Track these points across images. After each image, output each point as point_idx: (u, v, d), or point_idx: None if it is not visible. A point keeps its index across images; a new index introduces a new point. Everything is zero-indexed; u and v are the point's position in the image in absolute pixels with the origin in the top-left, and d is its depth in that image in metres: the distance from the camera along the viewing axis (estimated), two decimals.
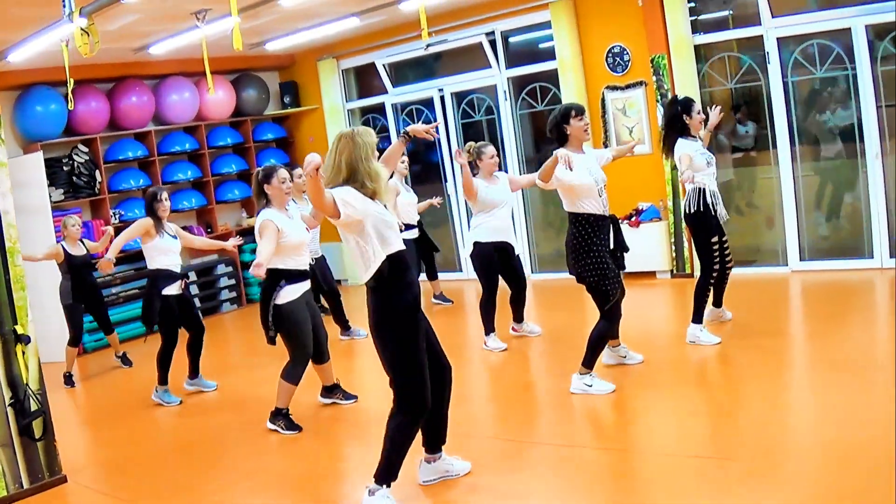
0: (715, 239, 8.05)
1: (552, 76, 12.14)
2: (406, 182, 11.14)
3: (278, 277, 7.08)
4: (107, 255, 8.37)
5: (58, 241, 10.36)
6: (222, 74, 13.49)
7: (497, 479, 5.75)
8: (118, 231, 9.24)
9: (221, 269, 13.73)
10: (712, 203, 7.95)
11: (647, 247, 11.26)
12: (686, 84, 10.77)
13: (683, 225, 11.05)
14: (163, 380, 8.64)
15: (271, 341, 7.20)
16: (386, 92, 13.92)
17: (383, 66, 13.65)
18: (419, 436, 5.51)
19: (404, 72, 13.92)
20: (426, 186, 13.27)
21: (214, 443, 7.34)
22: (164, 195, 8.59)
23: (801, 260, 10.70)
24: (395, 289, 5.22)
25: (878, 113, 9.90)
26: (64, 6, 7.27)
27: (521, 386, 8.04)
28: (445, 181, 13.53)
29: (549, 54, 12.09)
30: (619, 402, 6.99)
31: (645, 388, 7.21)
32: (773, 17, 10.33)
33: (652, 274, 11.44)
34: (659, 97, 11.10)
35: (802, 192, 10.73)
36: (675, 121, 8.04)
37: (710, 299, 8.37)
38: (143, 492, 6.36)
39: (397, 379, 5.28)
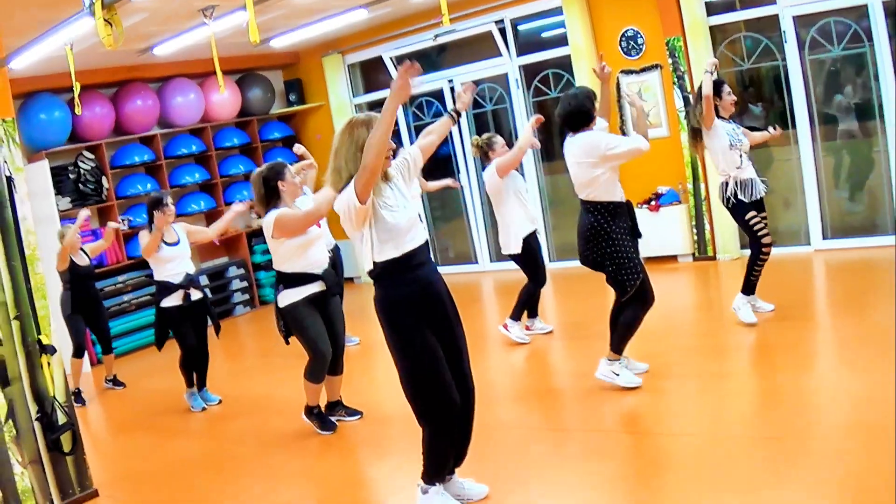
0: (752, 214, 7.79)
1: (565, 62, 11.97)
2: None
3: (279, 280, 6.99)
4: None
5: None
6: (227, 74, 13.22)
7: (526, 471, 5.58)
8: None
9: (233, 271, 13.56)
10: (737, 193, 7.77)
11: (668, 231, 11.13)
12: (702, 66, 10.48)
13: (704, 207, 10.94)
14: (189, 383, 8.52)
15: (286, 341, 7.15)
16: None
17: (390, 59, 13.45)
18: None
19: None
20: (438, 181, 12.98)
21: (240, 450, 7.16)
22: (169, 199, 8.36)
23: (823, 239, 10.57)
24: (397, 281, 4.85)
25: None
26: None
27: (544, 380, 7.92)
28: (458, 173, 13.32)
29: (561, 40, 11.92)
30: (649, 387, 6.84)
31: (673, 373, 7.12)
32: None
33: (674, 258, 11.31)
34: (675, 80, 10.94)
35: (823, 172, 10.58)
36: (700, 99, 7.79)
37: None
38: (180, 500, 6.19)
39: (407, 385, 4.91)
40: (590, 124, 6.71)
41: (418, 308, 4.83)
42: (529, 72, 12.55)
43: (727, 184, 7.83)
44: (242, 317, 13.39)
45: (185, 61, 12.49)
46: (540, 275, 8.77)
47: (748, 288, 8.02)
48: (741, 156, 7.77)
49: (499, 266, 12.92)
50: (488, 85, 12.97)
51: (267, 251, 13.32)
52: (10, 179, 6.31)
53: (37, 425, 6.19)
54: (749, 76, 11.13)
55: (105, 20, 6.70)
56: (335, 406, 7.41)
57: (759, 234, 7.83)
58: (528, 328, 9.05)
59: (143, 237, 8.28)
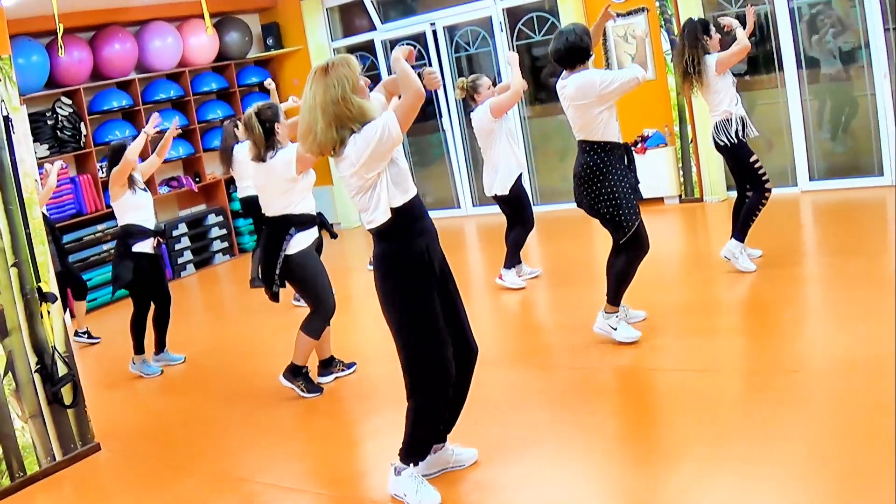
0: (755, 158, 7.76)
1: (550, 5, 11.86)
2: None
3: (287, 224, 6.50)
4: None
5: None
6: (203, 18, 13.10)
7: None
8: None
9: (212, 218, 13.40)
10: (742, 127, 7.70)
11: (655, 173, 11.11)
12: (690, 9, 10.54)
13: (691, 149, 10.92)
14: (139, 349, 8.09)
15: (275, 297, 6.67)
16: (374, 29, 13.58)
17: (371, 1, 13.27)
18: None
19: (393, 7, 13.57)
20: (419, 124, 12.91)
21: (234, 406, 6.94)
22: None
23: (810, 180, 10.61)
24: (404, 234, 4.49)
25: (885, 35, 9.78)
26: None
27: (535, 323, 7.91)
28: (440, 116, 13.26)
29: None
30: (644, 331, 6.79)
31: (666, 314, 7.14)
32: None
33: (660, 200, 11.32)
34: (662, 23, 10.86)
35: (810, 114, 10.59)
36: (698, 41, 7.73)
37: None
38: (183, 453, 6.12)
39: (406, 349, 4.57)
40: (586, 62, 6.44)
41: (429, 267, 4.51)
42: (513, 15, 12.41)
43: (730, 121, 7.70)
44: (222, 265, 13.26)
45: (163, 4, 12.28)
46: (528, 217, 8.70)
47: (743, 234, 7.90)
48: (736, 93, 7.80)
49: (482, 210, 12.87)
50: (471, 28, 12.85)
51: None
52: (7, 119, 6.15)
53: (37, 377, 6.08)
54: (736, 19, 11.06)
55: None
56: (330, 362, 7.08)
57: (764, 177, 7.79)
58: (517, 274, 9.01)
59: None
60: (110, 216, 11.73)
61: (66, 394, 6.21)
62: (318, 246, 6.99)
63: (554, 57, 6.49)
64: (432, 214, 4.74)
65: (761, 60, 10.77)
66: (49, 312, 6.14)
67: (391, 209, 4.44)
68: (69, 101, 11.78)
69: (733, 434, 4.90)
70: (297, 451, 5.86)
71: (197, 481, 5.57)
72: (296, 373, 6.73)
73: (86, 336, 9.71)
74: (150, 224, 7.90)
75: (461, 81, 8.64)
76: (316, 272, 6.65)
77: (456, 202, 13.49)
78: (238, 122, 9.02)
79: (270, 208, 6.60)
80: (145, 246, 7.84)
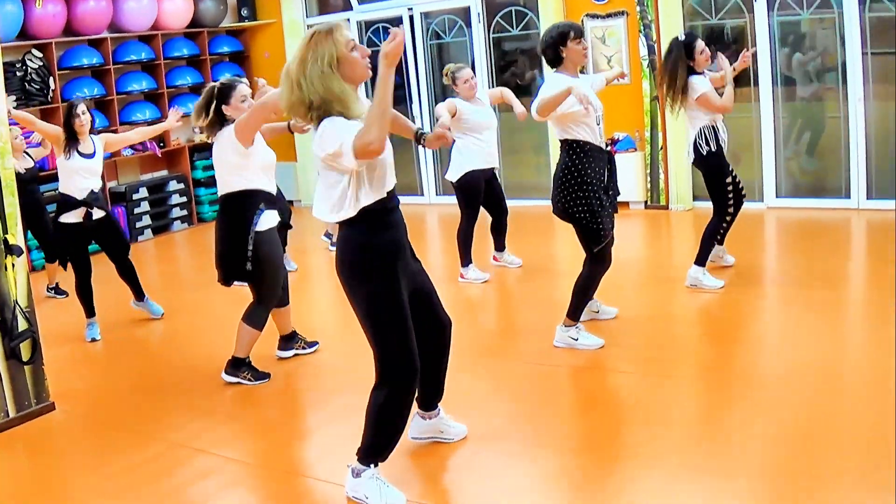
0: (729, 180, 7.71)
1: (530, 1, 11.85)
2: None
3: (257, 199, 6.22)
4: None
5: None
6: None
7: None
8: None
9: (173, 185, 13.28)
10: (724, 141, 7.68)
11: (622, 177, 10.89)
12: (670, 16, 10.63)
13: (660, 156, 10.97)
14: (88, 312, 8.10)
15: (249, 277, 6.34)
16: (351, 8, 13.51)
17: None
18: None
19: None
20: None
21: (190, 374, 6.89)
22: (82, 108, 7.83)
23: (777, 197, 10.68)
24: (371, 225, 4.28)
25: (863, 59, 9.88)
26: None
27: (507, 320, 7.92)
28: (411, 102, 13.22)
29: None
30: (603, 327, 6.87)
31: (628, 318, 7.15)
32: None
33: (625, 205, 11.33)
34: (642, 28, 10.89)
35: (782, 131, 10.67)
36: (682, 62, 7.60)
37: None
38: (139, 418, 6.04)
39: (376, 340, 4.38)
40: (560, 66, 6.36)
41: (394, 257, 4.34)
42: (492, 7, 12.40)
43: (714, 128, 7.63)
44: (180, 233, 13.16)
45: None
46: (471, 211, 8.71)
47: (703, 259, 7.81)
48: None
49: (445, 200, 12.84)
50: (448, 16, 12.81)
51: (209, 167, 13.21)
52: None
53: None
54: (715, 31, 11.11)
55: None
56: (292, 338, 7.01)
57: (729, 203, 7.76)
58: (495, 259, 9.14)
59: (55, 129, 7.98)
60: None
61: (25, 350, 6.12)
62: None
63: (540, 48, 6.46)
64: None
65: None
66: (13, 266, 6.03)
67: (361, 207, 4.24)
68: (40, 55, 11.63)
69: (692, 441, 4.92)
70: (260, 425, 5.81)
71: (154, 450, 5.48)
72: (237, 365, 6.54)
73: (53, 291, 9.76)
74: (84, 193, 7.84)
75: (447, 68, 8.64)
76: (276, 257, 6.42)
77: (420, 190, 13.46)
78: None
79: (225, 186, 6.29)
80: (71, 216, 7.89)
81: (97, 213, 7.91)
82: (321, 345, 7.12)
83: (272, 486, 4.94)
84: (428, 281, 4.73)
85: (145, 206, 12.79)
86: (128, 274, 8.28)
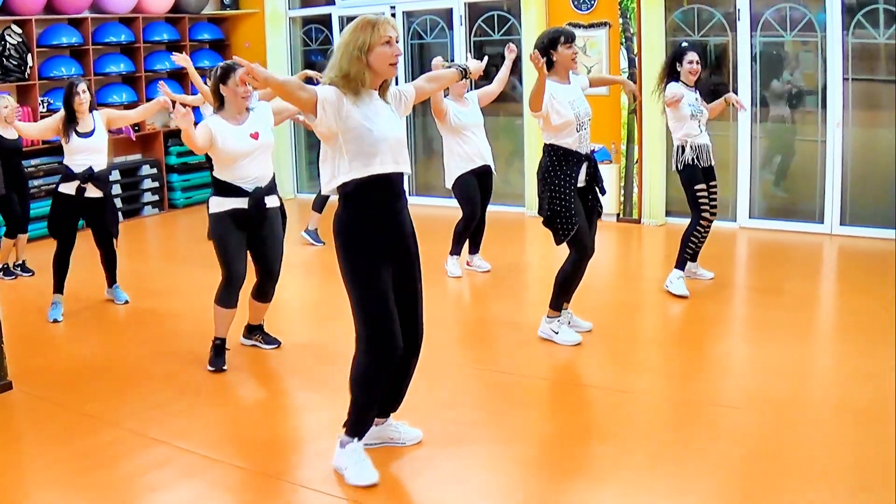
0: (701, 187, 7.95)
1: (513, 6, 11.89)
2: None
3: (213, 185, 6.60)
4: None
5: None
6: None
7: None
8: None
9: (146, 170, 13.20)
10: (694, 158, 7.89)
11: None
12: (652, 31, 10.66)
13: (635, 170, 10.99)
14: (56, 287, 8.09)
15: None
16: (333, 3, 13.45)
17: None
18: None
19: None
20: None
21: (155, 358, 6.90)
22: (82, 87, 7.89)
23: (750, 217, 10.71)
24: (360, 205, 4.52)
25: (843, 84, 9.92)
26: None
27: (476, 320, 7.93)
28: None
29: None
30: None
31: (603, 335, 7.12)
32: None
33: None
34: (623, 40, 10.90)
35: (758, 152, 10.69)
36: (668, 67, 8.03)
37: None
38: (97, 408, 5.93)
39: (356, 312, 4.58)
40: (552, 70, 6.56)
41: (378, 237, 4.53)
42: (474, 10, 12.38)
43: (683, 148, 7.92)
44: (151, 218, 13.07)
45: None
46: (470, 211, 8.81)
47: (682, 263, 8.08)
48: (699, 124, 7.91)
49: (423, 200, 12.76)
50: (430, 17, 12.80)
51: (183, 153, 13.18)
52: None
53: None
54: (697, 48, 11.12)
55: None
56: (254, 330, 7.07)
57: (702, 206, 7.95)
58: (468, 263, 9.16)
59: (55, 121, 8.00)
60: (45, 152, 11.51)
61: None
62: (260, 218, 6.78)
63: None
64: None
65: (717, 92, 10.81)
66: None
67: (343, 181, 4.50)
68: (19, 31, 11.51)
69: (649, 460, 4.91)
70: (219, 417, 5.76)
71: (109, 436, 5.43)
72: (213, 345, 6.67)
73: (20, 269, 9.70)
74: (82, 167, 7.92)
75: (437, 60, 8.59)
76: (223, 239, 6.47)
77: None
78: None
79: None
80: (68, 187, 7.96)
81: (92, 192, 7.96)
82: (286, 342, 7.08)
83: (225, 479, 4.89)
84: (418, 291, 4.82)
85: (116, 189, 12.64)
86: (108, 260, 8.32)
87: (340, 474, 4.75)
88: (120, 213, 12.33)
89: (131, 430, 5.50)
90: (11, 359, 6.34)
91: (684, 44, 8.36)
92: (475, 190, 8.77)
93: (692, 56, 7.88)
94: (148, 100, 12.76)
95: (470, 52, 12.24)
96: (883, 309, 7.18)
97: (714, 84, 8.14)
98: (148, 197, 13.25)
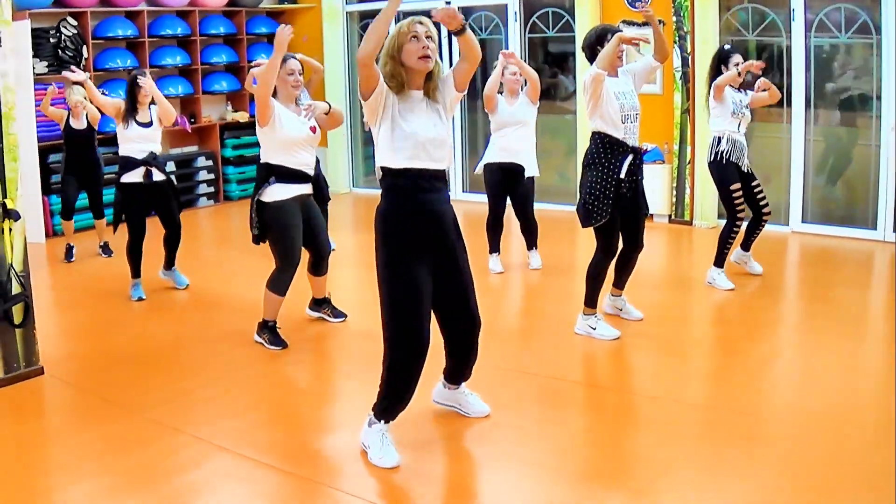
0: (736, 186, 8.09)
1: (567, 3, 11.79)
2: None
3: (269, 173, 6.64)
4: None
5: (37, 115, 10.51)
6: None
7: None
8: None
9: (201, 161, 13.31)
10: (729, 150, 8.05)
11: (647, 189, 10.91)
12: (706, 29, 10.52)
13: (687, 171, 10.87)
14: (134, 273, 8.36)
15: (255, 240, 6.80)
16: None
17: None
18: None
19: None
20: None
21: (200, 344, 7.04)
22: (144, 80, 8.14)
23: (802, 222, 10.51)
24: (397, 199, 4.74)
25: None
26: None
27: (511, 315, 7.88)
28: None
29: None
30: (621, 345, 6.82)
31: (644, 335, 7.04)
32: None
33: (649, 217, 11.15)
34: (677, 38, 10.77)
35: (812, 155, 10.51)
36: (713, 69, 8.20)
37: (740, 241, 8.49)
38: (125, 391, 6.02)
39: (385, 302, 4.74)
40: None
41: (413, 230, 4.71)
42: (529, 7, 12.33)
43: (720, 139, 8.10)
44: (205, 209, 13.16)
45: None
46: (491, 204, 8.99)
47: (721, 261, 8.23)
48: (740, 125, 8.07)
49: (470, 197, 12.76)
50: (485, 13, 12.75)
51: (238, 146, 13.25)
52: None
53: None
54: (751, 48, 10.98)
55: None
56: (322, 303, 7.44)
57: (738, 206, 8.13)
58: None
59: (117, 103, 8.28)
60: (111, 141, 11.62)
61: (17, 313, 6.14)
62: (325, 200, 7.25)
63: (581, 47, 6.99)
64: None
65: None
66: (10, 230, 6.05)
67: (385, 168, 4.74)
68: (75, 23, 11.66)
69: (678, 467, 4.81)
70: (240, 407, 5.75)
71: (128, 423, 5.48)
72: (262, 327, 6.91)
73: (101, 250, 10.15)
74: (143, 154, 8.17)
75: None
76: (284, 228, 6.70)
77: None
78: None
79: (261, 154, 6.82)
80: (133, 176, 8.21)
81: (157, 175, 8.23)
82: (343, 329, 7.30)
83: (242, 471, 4.88)
84: (465, 282, 4.96)
85: (172, 178, 12.77)
86: (172, 241, 8.50)
87: (364, 451, 4.91)
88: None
89: (150, 419, 5.52)
90: (45, 345, 6.44)
91: (727, 46, 8.33)
92: (499, 185, 8.86)
93: (737, 58, 7.99)
94: (204, 92, 12.93)
95: (526, 47, 12.23)
96: None
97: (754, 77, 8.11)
98: (203, 189, 13.35)
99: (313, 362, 6.81)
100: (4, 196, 6.04)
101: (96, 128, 9.85)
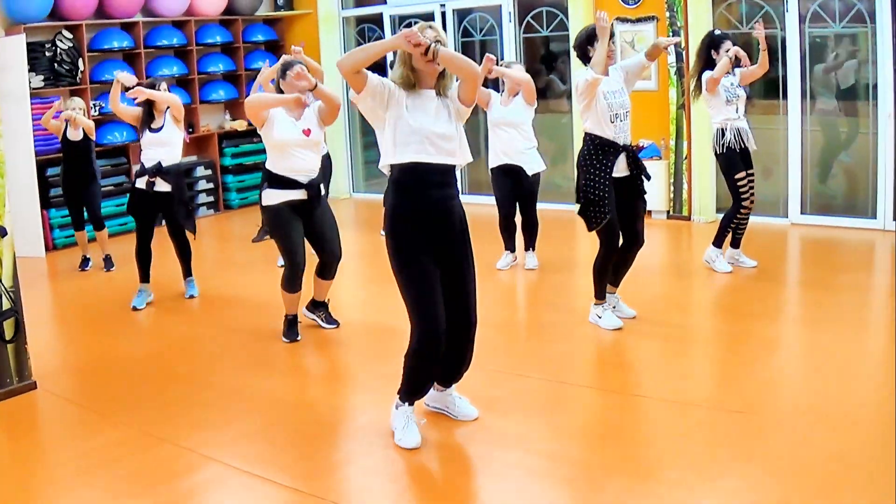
0: (741, 175, 8.22)
1: (561, 2, 11.78)
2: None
3: (265, 178, 6.95)
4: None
5: (35, 129, 10.48)
6: None
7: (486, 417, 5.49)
8: None
9: (200, 171, 13.31)
10: (735, 139, 8.15)
11: (646, 185, 10.96)
12: (699, 23, 10.47)
13: (684, 166, 10.85)
14: (140, 277, 8.48)
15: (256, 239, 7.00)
16: (385, 2, 13.46)
17: None
18: None
19: None
20: None
21: (194, 355, 7.06)
22: (164, 87, 8.31)
23: (801, 213, 10.48)
24: (402, 193, 4.94)
25: (895, 75, 9.65)
26: None
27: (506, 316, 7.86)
28: None
29: None
30: (618, 344, 6.85)
31: (640, 333, 7.03)
32: None
33: (647, 213, 11.13)
34: (670, 34, 10.74)
35: (809, 146, 10.46)
36: (702, 55, 8.28)
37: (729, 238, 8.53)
38: (119, 404, 6.02)
39: (403, 296, 5.01)
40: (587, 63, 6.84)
41: (419, 223, 4.91)
42: (523, 6, 12.31)
43: (724, 131, 8.19)
44: (205, 219, 13.13)
45: None
46: (502, 209, 9.04)
47: (720, 241, 8.44)
48: (737, 108, 8.17)
49: (471, 199, 12.69)
50: (479, 14, 12.75)
51: (238, 154, 13.27)
52: None
53: None
54: (744, 41, 10.96)
55: None
56: (319, 306, 7.51)
57: (742, 195, 8.22)
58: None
59: (136, 111, 8.40)
60: (100, 155, 11.66)
61: (8, 328, 6.15)
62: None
63: (573, 47, 7.12)
64: None
65: (767, 84, 10.65)
66: None
67: (393, 164, 4.94)
68: (70, 36, 11.66)
69: (661, 467, 4.78)
70: (230, 418, 5.73)
71: (118, 434, 5.49)
72: (286, 321, 7.26)
73: (104, 261, 10.12)
74: (151, 164, 8.25)
75: (504, 62, 8.99)
76: (284, 230, 6.92)
77: None
78: None
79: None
80: (140, 182, 8.35)
81: (161, 186, 8.29)
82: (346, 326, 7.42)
83: (232, 482, 4.89)
84: (467, 281, 5.12)
85: (181, 189, 12.77)
86: (181, 252, 8.62)
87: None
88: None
89: (140, 430, 5.52)
90: (39, 359, 6.47)
91: (717, 32, 8.38)
92: (504, 187, 8.92)
93: (729, 44, 8.06)
94: (201, 102, 12.94)
95: (520, 48, 12.23)
96: None
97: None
98: (203, 198, 13.35)
99: (304, 373, 6.78)
100: None
101: (93, 138, 9.84)
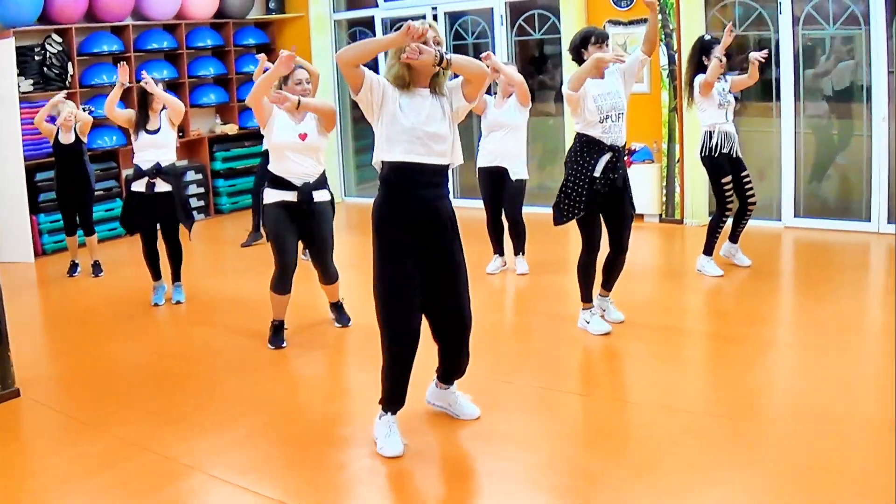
0: (727, 179, 8.25)
1: (553, 4, 11.72)
2: None
3: (264, 175, 7.13)
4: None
5: (25, 133, 10.50)
6: None
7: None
8: None
9: (191, 175, 13.22)
10: (721, 143, 8.19)
11: (637, 189, 10.78)
12: (692, 26, 10.44)
13: (676, 169, 10.80)
14: (153, 276, 8.59)
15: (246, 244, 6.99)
16: (376, 5, 13.40)
17: None
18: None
19: None
20: None
21: (181, 362, 6.97)
22: (160, 87, 8.37)
23: (795, 216, 10.44)
24: (388, 192, 4.91)
25: (889, 78, 9.64)
26: None
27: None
28: None
29: None
30: (609, 348, 6.82)
31: (631, 337, 7.01)
32: None
33: (640, 217, 11.11)
34: (663, 36, 10.70)
35: (803, 148, 10.42)
36: (693, 60, 8.33)
37: (728, 233, 8.63)
38: (103, 412, 5.95)
39: (376, 290, 4.95)
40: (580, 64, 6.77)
41: (405, 223, 4.86)
42: (515, 10, 12.27)
43: (711, 134, 8.23)
44: (196, 223, 12.92)
45: None
46: (488, 210, 9.05)
47: (710, 249, 8.47)
48: (726, 113, 8.20)
49: (462, 203, 12.66)
50: (472, 17, 12.71)
51: (228, 158, 13.20)
52: None
53: None
54: (738, 43, 10.91)
55: None
56: (334, 307, 7.63)
57: (727, 199, 8.31)
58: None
59: (129, 113, 8.52)
60: (92, 159, 11.59)
61: None
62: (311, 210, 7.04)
63: (568, 49, 7.05)
64: None
65: (760, 87, 10.59)
66: None
67: (384, 161, 4.89)
68: (60, 40, 11.60)
69: (654, 471, 4.73)
70: (215, 426, 5.66)
71: (104, 443, 5.42)
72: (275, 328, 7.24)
73: (92, 267, 10.03)
74: (149, 165, 8.26)
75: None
76: (275, 231, 6.94)
77: None
78: None
79: None
80: (139, 185, 8.33)
81: (161, 186, 8.29)
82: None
83: (214, 491, 4.83)
84: (458, 281, 5.06)
85: (180, 189, 12.71)
86: (173, 255, 8.59)
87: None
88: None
89: (125, 439, 5.45)
90: (23, 366, 6.39)
91: (707, 36, 8.37)
92: (488, 188, 8.93)
93: (716, 48, 8.06)
94: (192, 106, 12.86)
95: (513, 50, 12.19)
96: None
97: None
98: (193, 203, 13.24)
99: (292, 379, 6.72)
100: None
101: (85, 140, 9.77)
